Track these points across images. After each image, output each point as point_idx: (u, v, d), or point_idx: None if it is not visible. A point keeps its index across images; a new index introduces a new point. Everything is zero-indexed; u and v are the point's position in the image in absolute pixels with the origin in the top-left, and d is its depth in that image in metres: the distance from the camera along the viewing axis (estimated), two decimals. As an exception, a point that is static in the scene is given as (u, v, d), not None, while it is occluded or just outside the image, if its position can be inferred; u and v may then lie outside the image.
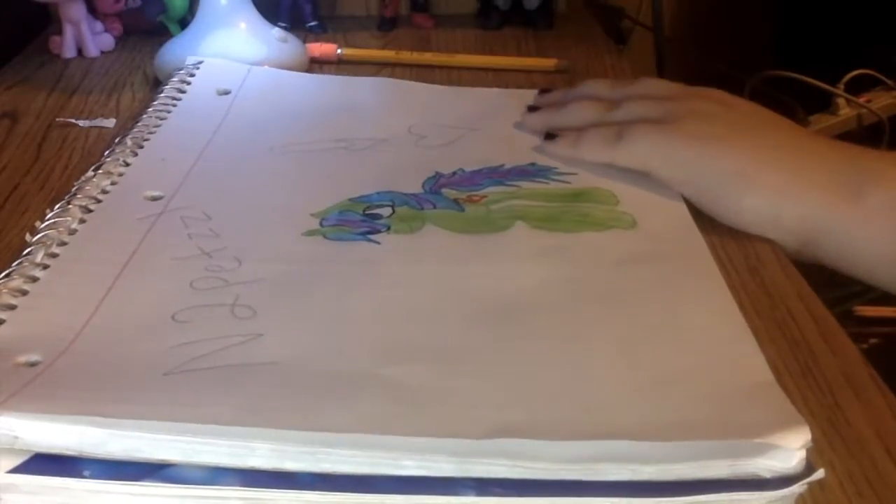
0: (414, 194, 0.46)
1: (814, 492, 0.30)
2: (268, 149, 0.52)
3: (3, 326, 0.35)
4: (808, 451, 0.29)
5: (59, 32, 0.71)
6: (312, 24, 0.77)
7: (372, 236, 0.42)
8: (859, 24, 1.18)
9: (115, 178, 0.46)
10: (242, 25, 0.64)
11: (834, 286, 0.86)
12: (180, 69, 0.60)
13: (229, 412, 0.29)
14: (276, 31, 0.66)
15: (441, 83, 0.64)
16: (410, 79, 0.66)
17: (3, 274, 0.38)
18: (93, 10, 0.73)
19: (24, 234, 0.42)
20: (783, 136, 0.46)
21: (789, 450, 0.28)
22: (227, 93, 0.57)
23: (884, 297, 0.88)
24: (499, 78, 0.67)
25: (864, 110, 1.07)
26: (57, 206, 0.43)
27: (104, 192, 0.45)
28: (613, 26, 1.13)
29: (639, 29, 1.16)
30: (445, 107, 0.58)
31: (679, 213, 0.45)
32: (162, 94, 0.56)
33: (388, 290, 0.39)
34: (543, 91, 0.57)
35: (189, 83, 0.58)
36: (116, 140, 0.51)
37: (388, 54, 0.71)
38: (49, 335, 0.34)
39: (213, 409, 0.30)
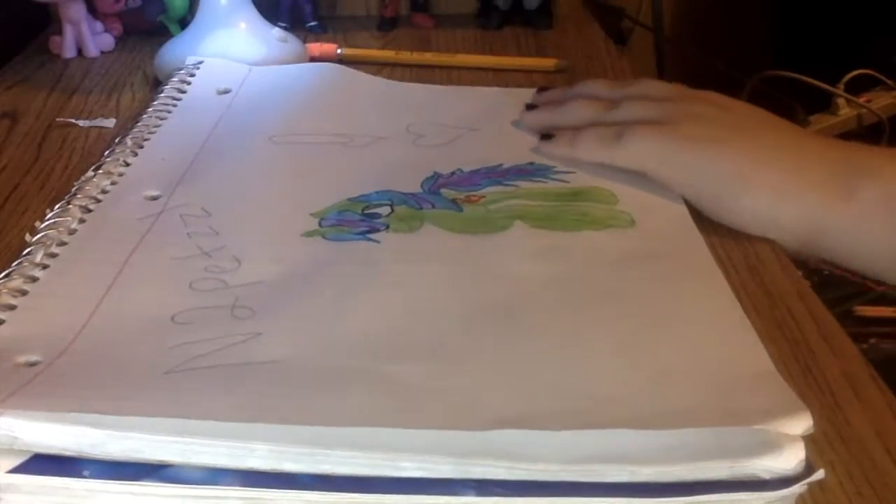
0: (413, 194, 0.46)
1: (814, 492, 0.30)
2: (268, 138, 0.52)
3: (3, 326, 0.35)
4: (808, 451, 0.29)
5: (59, 32, 0.71)
6: (312, 24, 0.77)
7: (371, 235, 0.42)
8: (859, 24, 1.18)
9: (115, 178, 0.46)
10: (242, 25, 0.64)
11: (834, 286, 0.86)
12: (180, 69, 0.60)
13: (229, 409, 0.29)
14: (276, 31, 0.66)
15: (441, 83, 0.64)
16: (410, 79, 0.66)
17: (3, 274, 0.38)
18: (93, 10, 0.73)
19: (24, 234, 0.42)
20: (780, 136, 0.46)
21: (791, 444, 0.28)
22: (227, 92, 0.57)
23: (884, 297, 0.88)
24: (499, 78, 0.67)
25: (864, 110, 1.07)
26: (57, 207, 0.43)
27: (104, 191, 0.45)
28: (613, 26, 1.13)
29: (639, 29, 1.16)
30: (444, 106, 0.58)
31: (678, 212, 0.45)
32: (162, 94, 0.56)
33: (388, 289, 0.39)
34: (542, 89, 0.57)
35: (189, 83, 0.58)
36: (116, 140, 0.51)
37: (388, 54, 0.71)
38: (48, 335, 0.34)
39: (212, 406, 0.30)
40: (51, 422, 0.28)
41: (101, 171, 0.46)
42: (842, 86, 1.07)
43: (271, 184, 0.48)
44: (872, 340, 0.85)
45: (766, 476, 0.28)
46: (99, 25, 0.73)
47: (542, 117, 0.53)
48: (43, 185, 0.51)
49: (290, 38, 0.67)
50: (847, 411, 0.35)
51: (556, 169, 0.49)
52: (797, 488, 0.28)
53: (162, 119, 0.53)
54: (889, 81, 1.08)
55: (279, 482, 0.28)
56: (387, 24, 0.79)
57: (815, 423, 0.30)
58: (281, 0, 0.76)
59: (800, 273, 0.43)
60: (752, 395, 0.32)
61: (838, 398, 0.35)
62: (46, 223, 0.41)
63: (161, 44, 0.66)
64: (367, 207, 0.45)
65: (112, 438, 0.28)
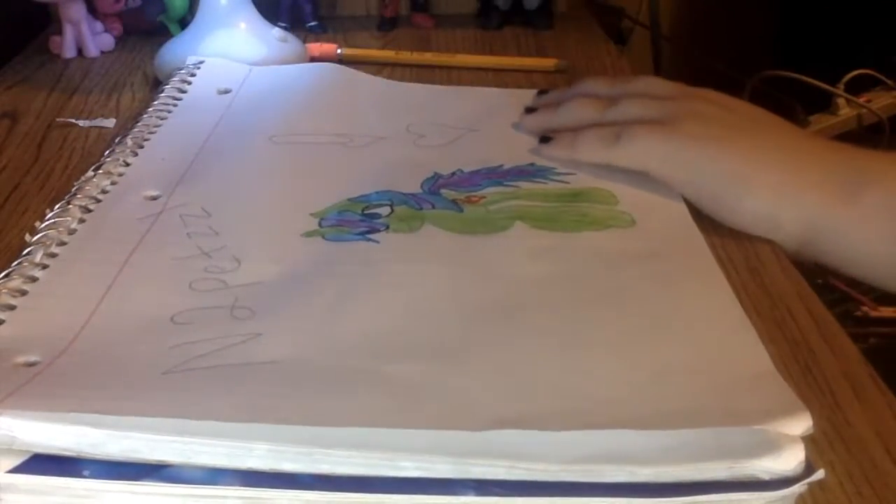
0: (413, 194, 0.46)
1: (814, 492, 0.30)
2: (268, 138, 0.52)
3: (3, 326, 0.35)
4: (808, 451, 0.29)
5: (59, 32, 0.71)
6: (312, 24, 0.77)
7: (371, 235, 0.42)
8: (859, 24, 1.18)
9: (115, 178, 0.46)
10: (242, 25, 0.64)
11: (834, 286, 0.86)
12: (181, 69, 0.60)
13: (228, 409, 0.29)
14: (276, 31, 0.66)
15: (441, 83, 0.64)
16: (410, 79, 0.66)
17: (3, 274, 0.38)
18: (93, 10, 0.73)
19: (24, 234, 0.42)
20: (781, 137, 0.46)
21: (790, 444, 0.28)
22: (227, 92, 0.57)
23: (884, 297, 0.88)
24: (499, 78, 0.67)
25: (864, 110, 1.07)
26: (57, 207, 0.43)
27: (104, 191, 0.45)
28: (613, 26, 1.13)
29: (639, 29, 1.16)
30: (444, 106, 0.58)
31: (678, 212, 0.45)
32: (163, 94, 0.56)
33: (388, 289, 0.39)
34: (541, 92, 0.57)
35: (190, 83, 0.58)
36: (116, 140, 0.51)
37: (388, 54, 0.71)
38: (48, 335, 0.34)
39: (212, 406, 0.30)
40: (50, 422, 0.28)
41: (101, 171, 0.46)
42: (842, 86, 1.07)
43: (271, 184, 0.48)
44: (872, 340, 0.85)
45: (766, 477, 0.28)
46: (99, 25, 0.73)
47: (541, 119, 0.53)
48: (43, 185, 0.51)
49: (290, 38, 0.67)
50: (847, 411, 0.35)
51: (556, 170, 0.49)
52: (797, 488, 0.28)
53: (162, 119, 0.53)
54: (889, 81, 1.08)
55: (279, 482, 0.28)
56: (387, 24, 0.79)
57: (815, 423, 0.30)
58: (281, 0, 0.76)
59: (800, 273, 0.43)
60: (751, 396, 0.32)
61: (838, 398, 0.35)
62: (46, 223, 0.41)
63: (161, 44, 0.66)
64: (367, 208, 0.45)
65: (111, 438, 0.28)
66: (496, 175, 0.49)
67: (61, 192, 0.46)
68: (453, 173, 0.49)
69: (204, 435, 0.28)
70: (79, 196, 0.44)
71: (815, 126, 1.08)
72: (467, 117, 0.56)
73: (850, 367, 0.37)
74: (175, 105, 0.55)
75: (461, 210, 0.45)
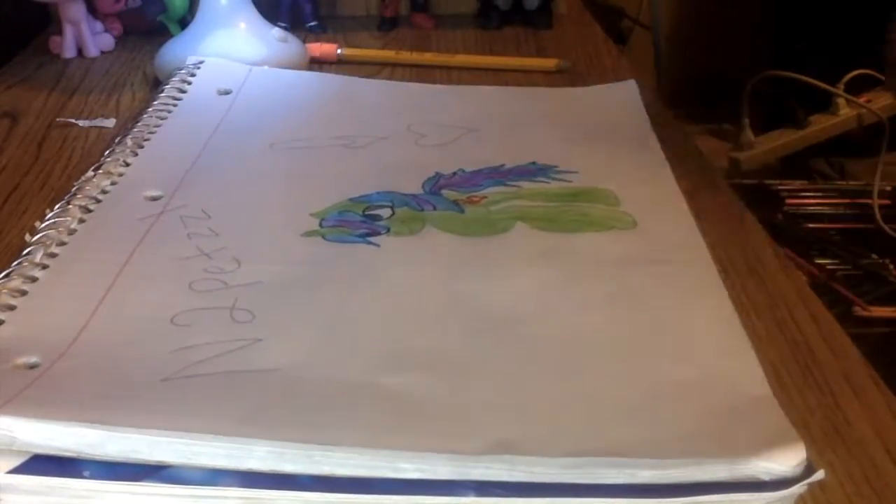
0: (414, 195, 0.46)
1: (814, 492, 0.30)
2: (268, 145, 0.52)
3: (3, 327, 0.35)
4: (808, 451, 0.29)
5: (59, 32, 0.71)
6: (312, 24, 0.77)
7: (371, 238, 0.42)
8: (859, 24, 1.18)
9: (115, 178, 0.46)
10: (242, 25, 0.64)
11: (830, 287, 0.86)
12: (181, 69, 0.60)
13: (229, 424, 0.29)
14: (276, 31, 0.66)
15: (441, 83, 0.64)
16: (410, 79, 0.66)
17: (3, 274, 0.38)
18: (93, 10, 0.73)
19: (24, 234, 0.42)
20: None
21: (791, 445, 0.28)
22: (227, 92, 0.57)
23: (884, 297, 0.88)
24: (499, 78, 0.67)
25: (864, 110, 1.07)
26: (57, 207, 0.43)
27: (104, 192, 0.45)
28: (613, 26, 1.13)
29: (639, 29, 1.16)
30: (444, 106, 0.58)
31: (680, 213, 0.45)
32: (162, 94, 0.56)
33: (387, 295, 0.38)
34: None
35: (190, 83, 0.58)
36: (116, 140, 0.51)
37: (388, 54, 0.71)
38: (48, 336, 0.34)
39: (211, 419, 0.30)
40: (50, 422, 0.28)
41: (101, 172, 0.46)
42: (842, 86, 1.07)
43: (272, 185, 0.48)
44: (872, 340, 0.85)
45: (766, 477, 0.28)
46: (99, 25, 0.73)
47: None
48: (43, 185, 0.51)
49: (290, 38, 0.67)
50: (847, 411, 0.35)
51: (557, 168, 0.49)
52: (797, 489, 0.28)
53: (162, 119, 0.53)
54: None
55: (279, 483, 0.28)
56: (387, 24, 0.79)
57: (815, 423, 0.30)
58: (281, 0, 0.76)
59: (800, 273, 0.43)
60: (747, 425, 0.31)
61: (838, 398, 0.35)
62: (46, 223, 0.41)
63: (161, 44, 0.66)
64: (368, 208, 0.45)
65: (111, 439, 0.28)
66: (498, 175, 0.49)
67: (61, 192, 0.46)
68: (455, 173, 0.49)
69: (203, 438, 0.28)
70: (79, 196, 0.44)
71: (815, 126, 1.08)
72: (468, 117, 0.56)
73: (850, 367, 0.37)
74: (175, 105, 0.55)
75: (462, 211, 0.45)
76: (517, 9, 0.79)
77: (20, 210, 0.48)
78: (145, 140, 0.50)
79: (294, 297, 0.38)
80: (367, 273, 0.40)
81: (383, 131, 0.54)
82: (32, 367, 0.32)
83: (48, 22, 0.77)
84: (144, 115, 0.53)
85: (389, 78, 0.67)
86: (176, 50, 0.64)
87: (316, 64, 0.69)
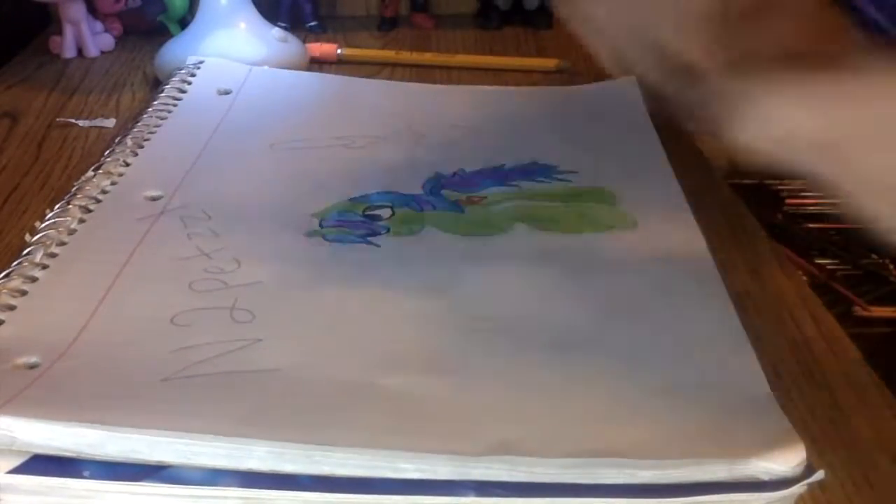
0: (414, 195, 0.46)
1: (814, 492, 0.30)
2: (268, 146, 0.52)
3: (3, 327, 0.35)
4: (808, 451, 0.29)
5: (59, 32, 0.71)
6: (312, 24, 0.77)
7: (371, 238, 0.42)
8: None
9: (115, 178, 0.46)
10: (242, 25, 0.64)
11: (834, 287, 0.86)
12: (181, 69, 0.60)
13: (228, 425, 0.29)
14: (276, 31, 0.66)
15: (441, 83, 0.64)
16: (410, 79, 0.66)
17: (3, 274, 0.38)
18: (93, 10, 0.73)
19: (24, 234, 0.42)
20: None
21: (791, 445, 0.28)
22: (227, 92, 0.57)
23: (884, 297, 0.88)
24: (499, 78, 0.67)
25: (865, 110, 1.07)
26: (57, 207, 0.43)
27: (104, 192, 0.45)
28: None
29: (639, 29, 1.16)
30: (445, 106, 0.58)
31: (681, 212, 0.45)
32: (162, 94, 0.56)
33: (387, 295, 0.38)
34: None
35: (190, 83, 0.58)
36: (117, 140, 0.51)
37: (388, 54, 0.71)
38: (48, 336, 0.34)
39: (211, 419, 0.30)
40: (49, 422, 0.28)
41: (101, 171, 0.46)
42: (842, 86, 1.07)
43: (272, 186, 0.48)
44: (872, 340, 0.85)
45: (766, 477, 0.28)
46: (99, 25, 0.73)
47: None
48: (43, 185, 0.51)
49: (290, 38, 0.67)
50: (847, 411, 0.35)
51: (558, 168, 0.49)
52: (797, 489, 0.28)
53: (162, 119, 0.53)
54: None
55: (279, 483, 0.28)
56: (387, 24, 0.79)
57: (815, 423, 0.30)
58: (281, 0, 0.76)
59: (800, 273, 0.43)
60: (747, 426, 0.31)
61: (838, 398, 0.35)
62: (46, 223, 0.41)
63: (161, 44, 0.66)
64: (367, 209, 0.45)
65: (111, 439, 0.28)
66: (498, 175, 0.49)
67: (61, 192, 0.46)
68: (455, 173, 0.49)
69: (203, 439, 0.28)
70: (79, 196, 0.44)
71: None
72: (468, 117, 0.56)
73: (850, 367, 0.37)
74: (175, 105, 0.55)
75: (462, 211, 0.45)
76: (517, 9, 0.79)
77: (20, 210, 0.48)
78: (145, 140, 0.50)
79: (294, 297, 0.38)
80: (366, 273, 0.40)
81: (383, 131, 0.54)
82: (32, 367, 0.32)
83: (48, 22, 0.77)
84: (144, 115, 0.53)
85: (389, 78, 0.67)
86: (176, 50, 0.64)
87: (316, 64, 0.69)
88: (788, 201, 1.07)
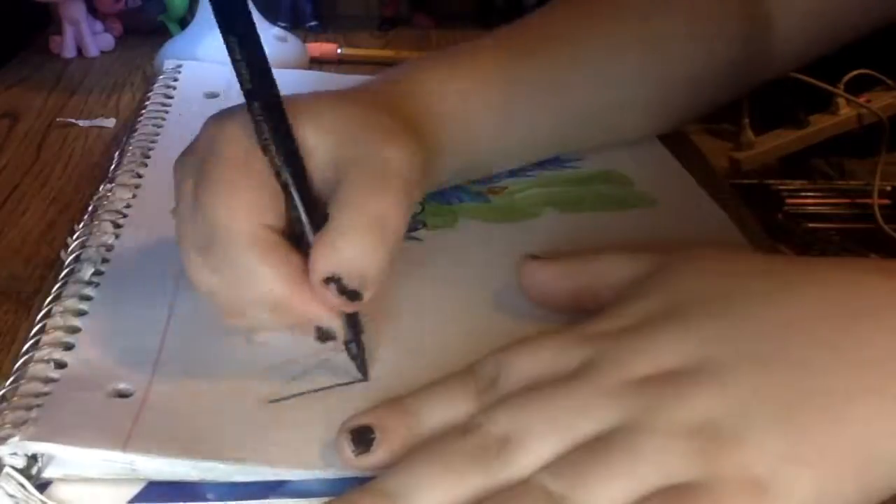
0: (439, 190, 0.46)
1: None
2: None
3: (75, 351, 0.33)
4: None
5: (59, 32, 0.71)
6: (312, 23, 0.77)
7: (412, 233, 0.42)
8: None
9: (134, 191, 0.45)
10: (242, 25, 0.64)
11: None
12: (160, 75, 0.59)
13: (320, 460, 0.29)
14: (276, 31, 0.66)
15: (441, 83, 0.64)
16: (410, 79, 0.66)
17: (52, 295, 0.36)
18: (93, 10, 0.73)
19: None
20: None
21: None
22: (215, 95, 0.57)
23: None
24: (499, 78, 0.67)
25: (864, 110, 1.07)
26: (81, 225, 0.42)
27: (128, 205, 0.43)
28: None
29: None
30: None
31: (694, 189, 0.46)
32: (149, 102, 0.55)
33: (444, 289, 0.38)
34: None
35: (174, 87, 0.57)
36: (117, 152, 0.50)
37: (388, 54, 0.71)
38: (127, 359, 0.33)
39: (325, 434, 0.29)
40: (172, 457, 0.28)
41: (116, 184, 0.45)
42: (842, 86, 1.07)
43: None
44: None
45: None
46: (99, 25, 0.73)
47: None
48: (43, 185, 0.51)
49: (290, 37, 0.67)
50: (847, 412, 0.35)
51: (561, 158, 0.49)
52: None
53: (159, 127, 0.52)
54: (889, 81, 1.08)
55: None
56: (387, 24, 0.79)
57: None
58: (281, 0, 0.76)
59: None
60: None
61: (838, 399, 0.35)
62: (77, 239, 0.40)
63: (161, 44, 0.66)
64: None
65: (237, 469, 0.28)
66: None
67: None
68: None
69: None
70: (102, 211, 0.42)
71: (815, 126, 1.08)
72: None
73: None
74: (167, 112, 0.54)
75: (489, 200, 0.45)
76: (517, 9, 0.79)
77: (20, 210, 0.48)
78: (150, 150, 0.49)
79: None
80: (416, 268, 0.39)
81: None
82: (123, 394, 0.31)
83: (48, 22, 0.77)
84: (139, 124, 0.52)
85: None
86: (176, 50, 0.64)
87: (316, 64, 0.69)
88: (788, 201, 1.07)
